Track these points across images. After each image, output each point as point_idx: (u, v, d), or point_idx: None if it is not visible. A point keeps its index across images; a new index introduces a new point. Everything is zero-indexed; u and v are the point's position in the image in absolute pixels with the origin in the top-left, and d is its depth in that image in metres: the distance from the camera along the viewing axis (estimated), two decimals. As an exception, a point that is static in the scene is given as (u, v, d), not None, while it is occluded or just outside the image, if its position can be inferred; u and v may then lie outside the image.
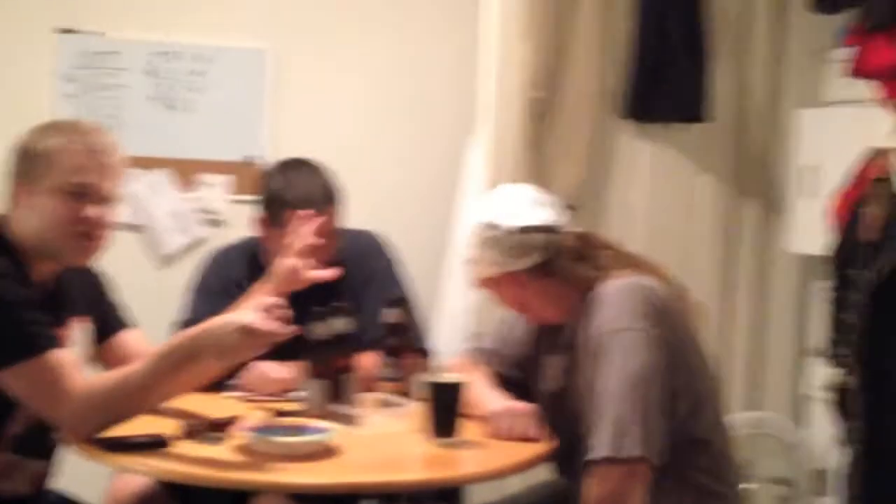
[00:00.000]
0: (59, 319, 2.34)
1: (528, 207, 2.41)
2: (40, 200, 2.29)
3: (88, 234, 2.31)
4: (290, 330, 2.18)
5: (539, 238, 2.39)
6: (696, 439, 2.30)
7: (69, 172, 2.28)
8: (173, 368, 2.17)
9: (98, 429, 2.19)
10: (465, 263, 2.49)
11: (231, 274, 2.98)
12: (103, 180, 2.32)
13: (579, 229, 2.47)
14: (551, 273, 2.39)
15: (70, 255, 2.34)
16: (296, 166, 2.95)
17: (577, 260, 2.40)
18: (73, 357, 2.29)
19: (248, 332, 2.12)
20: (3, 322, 2.16)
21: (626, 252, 2.46)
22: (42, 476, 2.40)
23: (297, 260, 2.73)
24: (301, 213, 2.81)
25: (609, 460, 2.14)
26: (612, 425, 2.15)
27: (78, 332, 2.43)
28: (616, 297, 2.27)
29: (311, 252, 2.76)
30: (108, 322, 2.57)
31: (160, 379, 2.18)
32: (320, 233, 2.83)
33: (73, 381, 2.17)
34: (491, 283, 2.44)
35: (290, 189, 2.87)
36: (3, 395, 2.19)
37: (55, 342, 2.22)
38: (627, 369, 2.18)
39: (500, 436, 2.38)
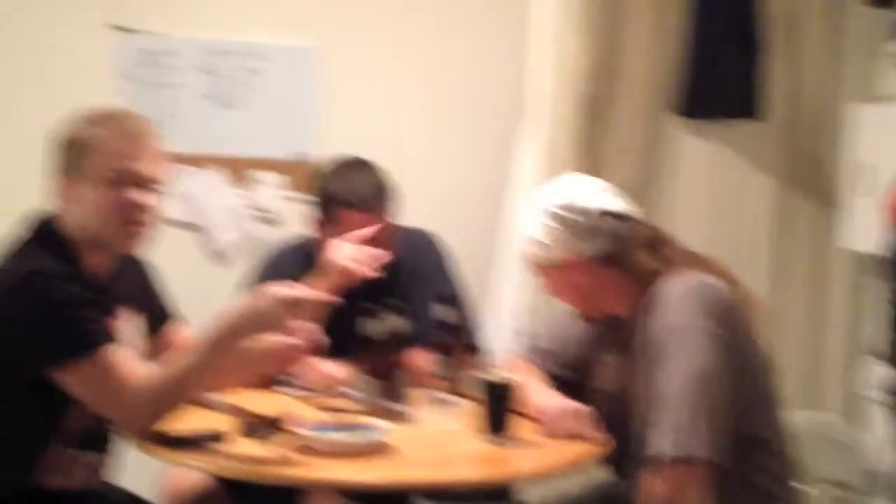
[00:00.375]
0: (112, 312, 2.37)
1: (603, 194, 2.42)
2: (84, 191, 2.30)
3: (133, 219, 2.32)
4: (326, 296, 2.24)
5: (614, 224, 2.38)
6: (757, 439, 2.29)
7: (109, 159, 2.29)
8: (221, 349, 2.19)
9: (154, 421, 2.21)
10: (528, 248, 2.43)
11: (286, 272, 2.98)
12: (143, 164, 2.32)
13: (651, 223, 2.46)
14: (619, 263, 2.37)
15: (117, 242, 2.35)
16: (351, 165, 2.96)
17: (646, 252, 2.38)
18: (126, 351, 2.31)
19: (286, 300, 2.16)
20: (56, 321, 2.19)
21: (690, 250, 2.44)
22: (98, 470, 2.43)
23: (351, 258, 2.74)
24: (357, 213, 2.83)
25: (674, 460, 2.13)
26: (677, 425, 2.14)
27: (132, 325, 2.45)
28: (680, 295, 2.25)
29: (365, 251, 2.77)
30: (156, 314, 2.59)
31: (210, 363, 2.20)
32: (376, 233, 2.84)
33: (127, 377, 2.20)
34: (554, 270, 2.40)
35: (346, 189, 2.88)
36: (60, 391, 2.22)
37: (108, 338, 2.24)
38: (692, 368, 2.17)
39: (554, 435, 2.38)
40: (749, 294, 2.38)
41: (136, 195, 2.31)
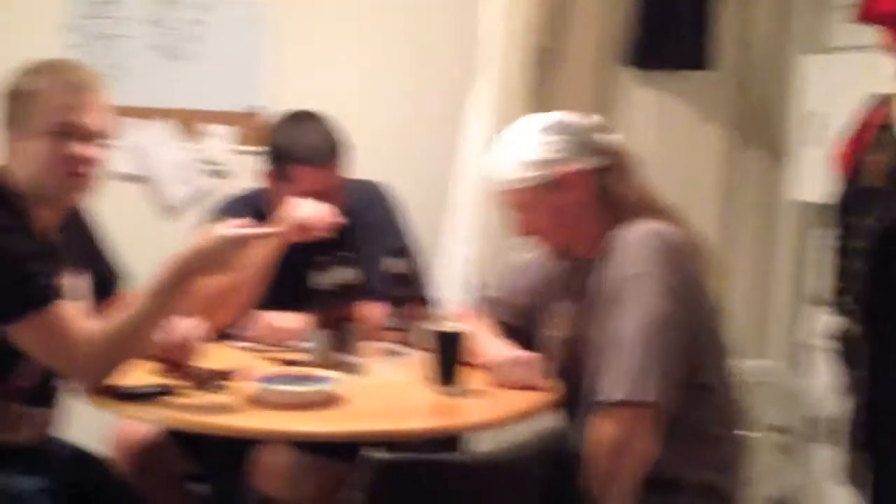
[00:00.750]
0: (61, 270, 2.34)
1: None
2: (29, 144, 2.27)
3: (77, 171, 2.30)
4: (270, 231, 2.29)
5: (606, 139, 2.40)
6: (704, 385, 2.32)
7: (52, 112, 2.27)
8: (170, 294, 2.20)
9: (106, 374, 2.21)
10: (515, 175, 2.38)
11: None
12: (87, 117, 2.29)
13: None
14: (607, 188, 2.37)
15: (61, 195, 2.33)
16: (301, 119, 2.93)
17: (623, 181, 2.40)
18: (77, 307, 2.30)
19: (231, 238, 2.19)
20: (8, 275, 2.17)
21: (650, 192, 2.45)
22: (46, 425, 2.42)
23: (308, 216, 2.73)
24: (308, 168, 2.81)
25: (623, 403, 2.15)
26: (628, 369, 2.16)
27: (78, 283, 2.43)
28: (635, 242, 2.27)
29: (322, 210, 2.76)
30: (103, 274, 2.56)
31: (160, 309, 2.21)
32: (326, 187, 2.83)
33: (78, 330, 2.19)
34: (542, 194, 2.37)
35: (297, 143, 2.86)
36: (9, 347, 2.21)
37: (61, 293, 2.23)
38: (645, 315, 2.19)
39: (504, 385, 2.40)
40: (701, 243, 2.41)
41: (79, 148, 2.28)
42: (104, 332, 2.20)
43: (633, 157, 2.46)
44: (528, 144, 2.38)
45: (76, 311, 2.26)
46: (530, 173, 2.37)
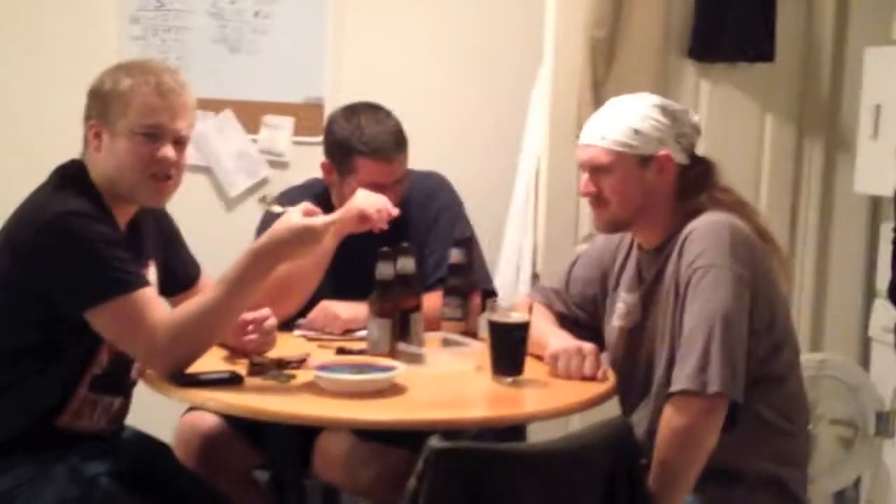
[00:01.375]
0: (142, 258, 2.39)
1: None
2: (115, 143, 2.31)
3: (162, 175, 2.34)
4: (338, 219, 2.31)
5: (694, 139, 2.44)
6: (773, 377, 2.32)
7: (141, 114, 2.30)
8: (248, 284, 2.24)
9: (182, 361, 2.24)
10: (611, 137, 2.37)
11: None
12: (175, 120, 2.34)
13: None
14: (683, 183, 2.39)
15: (145, 196, 2.38)
16: (364, 111, 2.93)
17: (702, 183, 2.41)
18: (155, 294, 2.34)
19: (301, 228, 2.23)
20: (91, 261, 2.20)
21: (724, 186, 2.45)
22: (119, 413, 2.46)
23: (370, 206, 2.73)
24: (370, 160, 2.83)
25: (689, 394, 2.16)
26: (695, 360, 2.17)
27: (152, 274, 2.47)
28: (707, 234, 2.27)
29: (383, 202, 2.77)
30: (177, 275, 2.59)
31: (238, 298, 2.24)
32: (388, 179, 2.84)
33: (158, 317, 2.22)
34: (631, 165, 2.37)
35: (361, 135, 2.86)
36: (89, 333, 2.24)
37: (141, 280, 2.27)
38: (715, 307, 2.20)
39: (562, 375, 2.40)
40: (770, 233, 2.40)
41: (167, 150, 2.33)
42: (181, 319, 2.23)
43: (717, 165, 2.47)
44: (640, 114, 2.39)
45: (155, 299, 2.30)
46: (632, 140, 2.37)
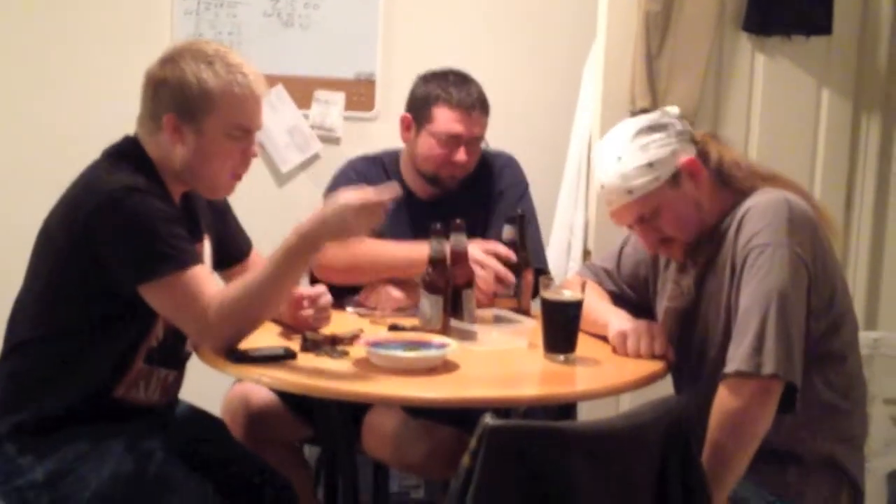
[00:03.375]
0: (195, 234, 2.41)
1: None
2: (200, 140, 2.32)
3: (241, 172, 2.39)
4: (390, 193, 2.27)
5: (688, 123, 2.43)
6: (832, 355, 2.30)
7: (235, 115, 2.33)
8: (295, 261, 2.25)
9: (233, 338, 2.26)
10: (629, 185, 2.33)
11: (367, 182, 3.00)
12: (259, 117, 2.39)
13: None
14: (713, 169, 2.37)
15: (221, 191, 2.44)
16: (452, 73, 2.99)
17: (725, 156, 2.40)
18: (208, 272, 2.35)
19: (354, 206, 2.23)
20: (147, 237, 2.22)
21: (766, 169, 2.41)
22: (173, 386, 2.48)
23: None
24: (449, 109, 2.88)
25: (743, 375, 2.14)
26: (750, 341, 2.15)
27: (207, 249, 2.49)
28: (764, 212, 2.24)
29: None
30: (230, 249, 2.62)
31: (285, 276, 2.25)
32: (465, 132, 2.87)
33: (210, 293, 2.24)
34: (667, 191, 2.32)
35: (444, 87, 2.92)
36: (145, 307, 2.26)
37: (195, 258, 2.28)
38: (772, 286, 2.17)
39: (631, 354, 2.39)
40: (825, 210, 2.37)
41: (255, 149, 2.38)
42: (232, 298, 2.24)
43: (715, 135, 2.45)
44: (639, 146, 2.33)
45: (208, 276, 2.32)
46: (653, 175, 2.32)
